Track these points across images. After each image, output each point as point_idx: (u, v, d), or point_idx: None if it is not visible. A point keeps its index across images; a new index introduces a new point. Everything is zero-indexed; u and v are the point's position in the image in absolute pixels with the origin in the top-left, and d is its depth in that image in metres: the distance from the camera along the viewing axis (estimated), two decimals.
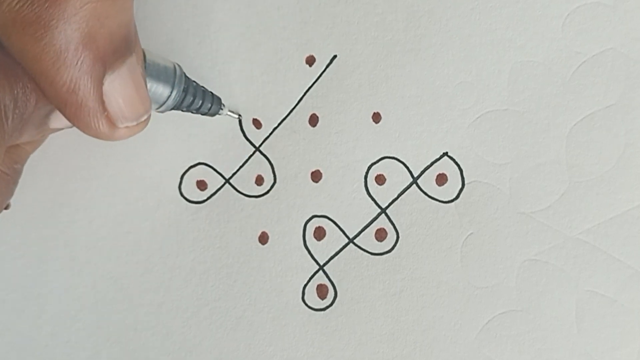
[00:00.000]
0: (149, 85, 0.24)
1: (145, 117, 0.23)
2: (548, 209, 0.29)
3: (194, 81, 0.27)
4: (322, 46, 0.30)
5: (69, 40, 0.19)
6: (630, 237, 0.28)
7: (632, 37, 0.28)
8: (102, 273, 0.30)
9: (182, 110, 0.27)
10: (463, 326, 0.29)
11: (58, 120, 0.23)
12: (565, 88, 0.29)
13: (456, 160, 0.29)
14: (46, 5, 0.19)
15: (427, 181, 0.29)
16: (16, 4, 0.19)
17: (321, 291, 0.30)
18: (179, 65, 0.26)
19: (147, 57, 0.25)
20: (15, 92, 0.20)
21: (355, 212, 0.30)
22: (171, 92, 0.26)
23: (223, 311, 0.30)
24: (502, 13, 0.29)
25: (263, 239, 0.30)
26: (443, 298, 0.29)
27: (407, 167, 0.29)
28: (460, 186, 0.29)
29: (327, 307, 0.30)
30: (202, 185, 0.30)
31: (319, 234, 0.30)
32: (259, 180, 0.30)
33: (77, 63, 0.20)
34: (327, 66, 0.30)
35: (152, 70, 0.25)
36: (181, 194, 0.30)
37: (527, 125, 0.29)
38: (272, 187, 0.30)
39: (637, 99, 0.28)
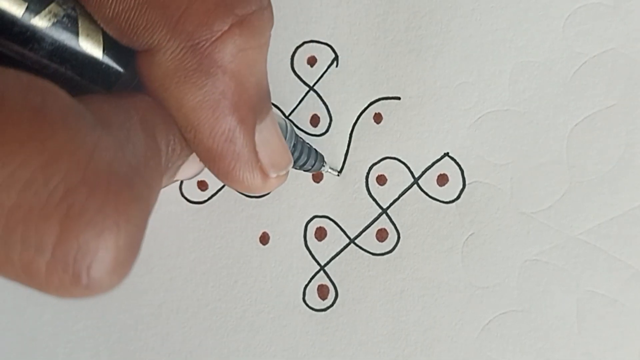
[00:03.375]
0: None
1: (290, 166, 0.23)
2: (549, 209, 0.29)
3: (301, 138, 0.27)
4: (324, 47, 0.30)
5: (226, 88, 0.19)
6: (631, 237, 0.28)
7: (633, 38, 0.28)
8: None
9: None
10: (464, 326, 0.29)
11: (184, 172, 0.23)
12: (566, 88, 0.29)
13: (457, 160, 0.29)
14: (207, 52, 0.19)
15: (428, 181, 0.29)
16: (180, 52, 0.19)
17: (322, 291, 0.30)
18: (290, 122, 0.26)
19: None
20: (169, 138, 0.20)
21: (356, 212, 0.30)
22: None
23: (224, 311, 0.30)
24: (503, 13, 0.29)
25: (264, 239, 0.30)
26: (444, 298, 0.29)
27: (408, 168, 0.29)
28: (461, 186, 0.29)
29: (328, 307, 0.30)
30: (203, 185, 0.30)
31: (320, 234, 0.30)
32: None
33: (234, 112, 0.20)
34: (329, 67, 0.30)
35: None
36: (182, 194, 0.30)
37: (528, 125, 0.29)
38: None
39: (638, 99, 0.28)
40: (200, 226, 0.30)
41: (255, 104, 0.20)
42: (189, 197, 0.30)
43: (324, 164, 0.29)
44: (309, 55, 0.30)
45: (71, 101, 0.17)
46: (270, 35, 0.21)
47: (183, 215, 0.30)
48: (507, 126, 0.29)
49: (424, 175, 0.29)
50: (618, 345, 0.28)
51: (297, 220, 0.30)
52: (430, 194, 0.29)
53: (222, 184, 0.30)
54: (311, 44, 0.30)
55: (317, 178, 0.30)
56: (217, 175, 0.21)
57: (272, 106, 0.22)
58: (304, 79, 0.30)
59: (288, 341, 0.30)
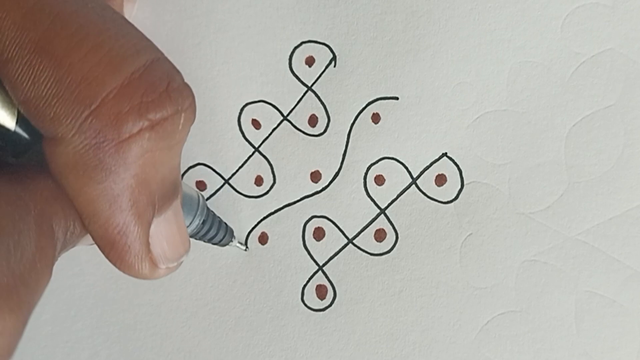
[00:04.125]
0: None
1: (184, 257, 0.23)
2: (547, 210, 0.29)
3: (212, 211, 0.27)
4: (322, 47, 0.30)
5: (125, 185, 0.19)
6: (629, 238, 0.28)
7: (631, 38, 0.28)
8: (101, 273, 0.30)
9: (195, 238, 0.27)
10: (462, 326, 0.29)
11: (83, 242, 0.24)
12: (565, 88, 0.29)
13: (455, 160, 0.29)
14: (110, 152, 0.19)
15: (427, 182, 0.29)
16: (82, 148, 0.19)
17: (320, 292, 0.30)
18: (202, 195, 0.26)
19: None
20: (68, 224, 0.21)
21: (354, 212, 0.30)
22: (191, 222, 0.26)
23: (222, 311, 0.30)
24: (501, 13, 0.29)
25: (263, 239, 0.30)
26: (442, 298, 0.29)
27: (407, 168, 0.29)
28: (459, 187, 0.29)
29: (327, 307, 0.30)
30: (201, 185, 0.30)
31: (319, 234, 0.30)
32: (259, 181, 0.30)
33: (130, 207, 0.20)
34: (327, 67, 0.30)
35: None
36: None
37: (527, 125, 0.29)
38: (271, 187, 0.30)
39: (636, 99, 0.28)
40: None
41: (156, 199, 0.20)
42: None
43: (233, 238, 0.29)
44: (307, 55, 0.30)
45: None
46: (188, 132, 0.21)
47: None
48: (505, 126, 0.29)
49: (422, 176, 0.29)
50: (616, 345, 0.28)
51: (296, 221, 0.30)
52: (428, 194, 0.29)
53: (220, 184, 0.30)
54: (309, 44, 0.30)
55: (316, 178, 0.30)
56: (108, 259, 0.21)
57: (178, 195, 0.22)
58: (302, 79, 0.30)
59: (286, 341, 0.30)
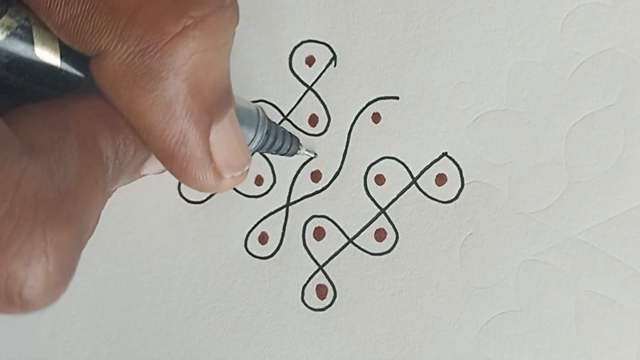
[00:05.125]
0: None
1: (247, 166, 0.23)
2: (547, 209, 0.29)
3: (274, 122, 0.27)
4: (322, 46, 0.30)
5: (178, 91, 0.19)
6: (629, 237, 0.28)
7: (632, 37, 0.28)
8: (101, 273, 0.30)
9: (261, 152, 0.27)
10: (462, 326, 0.29)
11: (150, 167, 0.23)
12: (565, 88, 0.29)
13: (455, 160, 0.29)
14: (157, 56, 0.18)
15: (427, 181, 0.29)
16: (127, 56, 0.18)
17: (320, 291, 0.30)
18: (261, 109, 0.26)
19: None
20: (117, 143, 0.20)
21: (354, 212, 0.30)
22: (255, 136, 0.26)
23: (222, 311, 0.30)
24: (501, 13, 0.29)
25: (263, 239, 0.30)
26: (442, 298, 0.29)
27: (407, 167, 0.29)
28: (459, 186, 0.29)
29: (327, 307, 0.30)
30: None
31: (319, 234, 0.30)
32: (259, 180, 0.30)
33: (186, 115, 0.19)
34: (327, 66, 0.30)
35: (238, 115, 0.24)
36: (181, 194, 0.30)
37: (527, 125, 0.29)
38: (271, 187, 0.30)
39: (637, 99, 0.28)
40: (199, 226, 0.30)
41: (211, 105, 0.20)
42: (187, 197, 0.30)
43: (300, 146, 0.29)
44: (307, 54, 0.30)
45: None
46: (233, 34, 0.20)
47: (182, 215, 0.30)
48: (505, 126, 0.29)
49: (422, 175, 0.29)
50: (616, 345, 0.28)
51: (296, 220, 0.30)
52: (428, 193, 0.29)
53: None
54: (309, 43, 0.30)
55: (316, 178, 0.30)
56: (172, 173, 0.21)
57: (232, 103, 0.22)
58: (302, 78, 0.30)
59: (286, 341, 0.30)
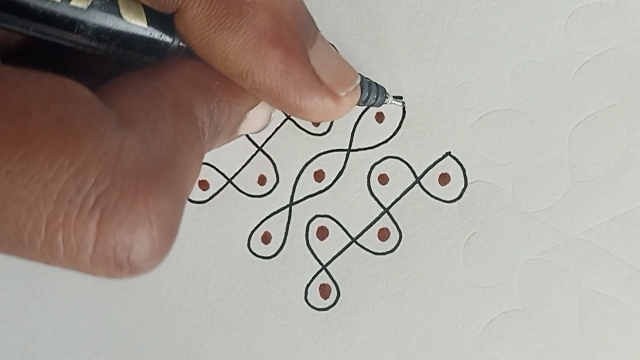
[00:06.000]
0: None
1: (357, 81, 0.23)
2: (550, 209, 0.29)
3: (359, 74, 0.27)
4: None
5: (263, 23, 0.20)
6: (632, 237, 0.28)
7: (635, 37, 0.28)
8: None
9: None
10: (466, 325, 0.29)
11: (247, 127, 0.24)
12: (568, 88, 0.29)
13: (459, 159, 0.29)
14: None
15: (430, 181, 0.29)
16: (206, 2, 0.19)
17: (324, 291, 0.30)
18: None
19: None
20: (211, 107, 0.21)
21: (358, 211, 0.30)
22: None
23: (225, 311, 0.30)
24: (504, 13, 0.29)
25: (266, 238, 0.30)
26: (446, 297, 0.29)
27: (410, 167, 0.29)
28: (463, 186, 0.29)
29: (330, 306, 0.30)
30: (204, 184, 0.30)
31: (322, 233, 0.30)
32: (262, 180, 0.30)
33: (279, 44, 0.20)
34: None
35: None
36: None
37: (530, 125, 0.29)
38: (274, 186, 0.30)
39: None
40: (201, 226, 0.30)
41: (298, 30, 0.20)
42: (190, 197, 0.30)
43: (387, 95, 0.28)
44: None
45: (93, 104, 0.18)
46: None
47: (184, 215, 0.30)
48: (508, 126, 0.29)
49: (425, 175, 0.29)
50: (619, 345, 0.28)
51: (299, 220, 0.30)
52: (432, 193, 0.29)
53: (224, 184, 0.30)
54: None
55: (319, 177, 0.30)
56: (290, 112, 0.21)
57: (316, 26, 0.22)
58: None
59: (290, 340, 0.30)
